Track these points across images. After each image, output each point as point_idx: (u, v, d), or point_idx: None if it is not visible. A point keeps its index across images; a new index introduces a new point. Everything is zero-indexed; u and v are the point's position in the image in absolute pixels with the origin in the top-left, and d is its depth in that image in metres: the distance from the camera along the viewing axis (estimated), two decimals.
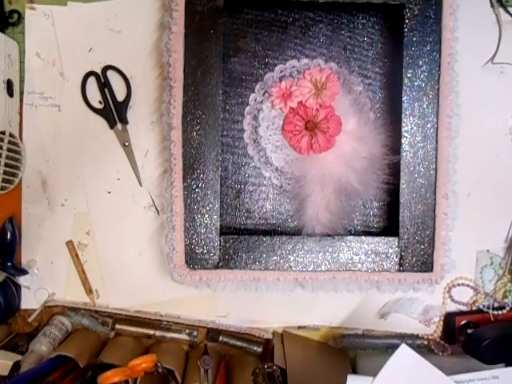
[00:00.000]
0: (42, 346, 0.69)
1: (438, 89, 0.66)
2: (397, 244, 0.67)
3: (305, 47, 0.71)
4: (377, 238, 0.67)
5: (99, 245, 0.73)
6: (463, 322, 0.73)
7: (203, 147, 0.66)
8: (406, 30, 0.66)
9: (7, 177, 0.69)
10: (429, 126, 0.67)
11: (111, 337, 0.74)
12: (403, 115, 0.67)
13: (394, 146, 0.68)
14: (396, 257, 0.67)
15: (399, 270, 0.67)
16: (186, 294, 0.72)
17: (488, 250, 0.75)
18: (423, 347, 0.75)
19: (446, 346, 0.74)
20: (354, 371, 0.72)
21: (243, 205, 0.72)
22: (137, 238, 0.73)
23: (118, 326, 0.74)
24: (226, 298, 0.74)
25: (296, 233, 0.71)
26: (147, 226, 0.73)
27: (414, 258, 0.67)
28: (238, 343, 0.74)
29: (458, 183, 0.69)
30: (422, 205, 0.67)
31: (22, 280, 0.73)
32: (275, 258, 0.67)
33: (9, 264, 0.70)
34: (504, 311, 0.73)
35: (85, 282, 0.73)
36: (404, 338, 0.74)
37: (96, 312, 0.74)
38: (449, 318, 0.74)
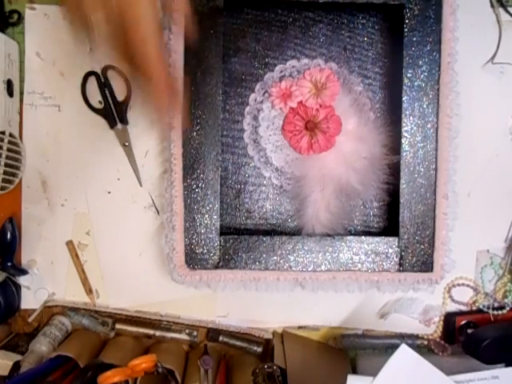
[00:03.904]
0: (41, 346, 0.69)
1: (438, 89, 0.66)
2: (397, 244, 0.67)
3: (305, 47, 0.71)
4: (377, 238, 0.68)
5: (99, 245, 0.73)
6: (463, 322, 0.73)
7: (203, 147, 0.66)
8: (406, 30, 0.66)
9: (7, 177, 0.69)
10: (429, 126, 0.67)
11: (111, 337, 0.74)
12: (403, 115, 0.67)
13: (394, 146, 0.68)
14: (396, 257, 0.67)
15: (399, 270, 0.67)
16: (186, 294, 0.72)
17: (488, 250, 0.75)
18: (423, 347, 0.75)
19: (446, 346, 0.74)
20: (354, 371, 0.72)
21: (243, 205, 0.72)
22: (137, 238, 0.73)
23: (118, 326, 0.74)
24: (225, 298, 0.74)
25: (296, 233, 0.71)
26: (147, 225, 0.73)
27: (414, 258, 0.67)
28: (238, 343, 0.74)
29: (457, 183, 0.69)
30: (422, 205, 0.67)
31: (22, 280, 0.73)
32: (275, 258, 0.67)
33: (9, 264, 0.70)
34: (504, 311, 0.73)
35: (85, 282, 0.73)
36: (404, 337, 0.74)
37: (96, 312, 0.74)
38: (449, 318, 0.74)
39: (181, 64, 0.65)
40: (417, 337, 0.75)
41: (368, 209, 0.73)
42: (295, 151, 0.71)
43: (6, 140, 0.68)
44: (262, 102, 0.71)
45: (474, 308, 0.75)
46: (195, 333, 0.74)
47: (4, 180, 0.69)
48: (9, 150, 0.69)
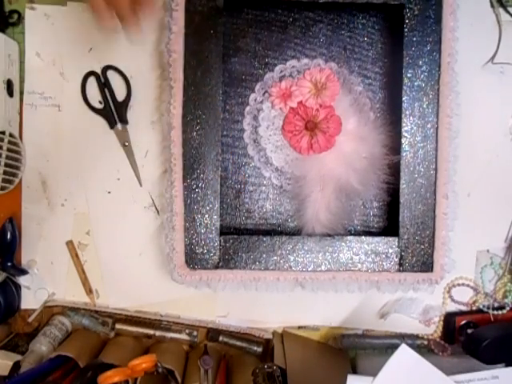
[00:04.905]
0: (42, 346, 0.69)
1: (438, 89, 0.66)
2: (397, 244, 0.67)
3: (305, 47, 0.71)
4: (377, 238, 0.68)
5: (99, 245, 0.73)
6: (463, 322, 0.73)
7: (203, 147, 0.66)
8: (406, 29, 0.66)
9: (7, 177, 0.69)
10: (429, 126, 0.67)
11: (111, 337, 0.74)
12: (403, 115, 0.67)
13: (394, 146, 0.68)
14: (396, 257, 0.67)
15: (399, 270, 0.67)
16: (186, 294, 0.72)
17: (488, 250, 0.75)
18: (423, 347, 0.75)
19: (446, 346, 0.74)
20: (354, 371, 0.72)
21: (243, 205, 0.72)
22: (137, 237, 0.73)
23: (118, 326, 0.74)
24: (226, 298, 0.74)
25: (296, 233, 0.71)
26: (147, 225, 0.73)
27: (414, 258, 0.67)
28: (238, 343, 0.74)
29: (457, 183, 0.69)
30: (422, 205, 0.67)
31: (22, 280, 0.73)
32: (275, 258, 0.67)
33: (9, 264, 0.70)
34: (504, 311, 0.73)
35: (85, 282, 0.73)
36: (404, 338, 0.74)
37: (96, 312, 0.74)
38: (449, 318, 0.74)
39: (181, 64, 0.65)
40: (417, 337, 0.75)
41: (368, 209, 0.73)
42: (295, 151, 0.71)
43: (5, 140, 0.68)
44: (262, 102, 0.71)
45: (474, 308, 0.75)
46: (195, 333, 0.74)
47: (4, 180, 0.69)
48: (9, 150, 0.69)
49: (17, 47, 0.71)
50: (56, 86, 0.72)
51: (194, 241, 0.66)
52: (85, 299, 0.74)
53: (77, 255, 0.73)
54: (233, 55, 0.70)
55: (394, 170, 0.68)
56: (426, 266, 0.67)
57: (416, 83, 0.66)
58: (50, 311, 0.74)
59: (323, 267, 0.67)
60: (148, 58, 0.72)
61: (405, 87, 0.66)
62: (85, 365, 0.64)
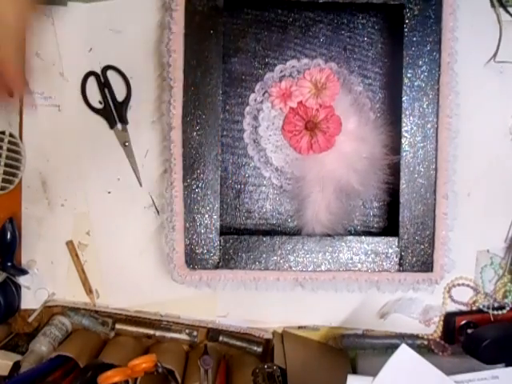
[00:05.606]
0: (41, 346, 0.69)
1: (438, 89, 0.66)
2: (397, 244, 0.67)
3: (305, 47, 0.71)
4: (377, 238, 0.68)
5: (99, 245, 0.73)
6: (463, 322, 0.73)
7: (203, 147, 0.66)
8: (406, 30, 0.66)
9: (7, 177, 0.69)
10: (429, 126, 0.67)
11: (111, 337, 0.74)
12: (403, 115, 0.67)
13: (394, 146, 0.68)
14: (396, 257, 0.67)
15: (399, 270, 0.67)
16: (186, 294, 0.72)
17: (488, 250, 0.75)
18: (423, 347, 0.75)
19: (446, 346, 0.74)
20: (354, 371, 0.72)
21: (243, 205, 0.72)
22: (137, 238, 0.73)
23: (118, 326, 0.74)
24: (226, 298, 0.74)
25: (296, 233, 0.71)
26: (147, 225, 0.73)
27: (414, 258, 0.67)
28: (238, 343, 0.74)
29: (457, 183, 0.69)
30: (422, 205, 0.67)
31: (22, 280, 0.73)
32: (275, 257, 0.67)
33: (9, 264, 0.70)
34: (504, 311, 0.73)
35: (85, 282, 0.73)
36: (404, 338, 0.74)
37: (96, 312, 0.74)
38: (449, 318, 0.74)
39: (181, 64, 0.65)
40: (417, 337, 0.75)
41: (368, 209, 0.73)
42: (295, 151, 0.71)
43: (6, 140, 0.68)
44: (261, 102, 0.71)
45: (474, 308, 0.75)
46: (195, 333, 0.74)
47: (4, 180, 0.69)
48: (9, 150, 0.69)
49: None
50: (56, 86, 0.72)
51: (194, 241, 0.66)
52: (85, 299, 0.74)
53: (77, 255, 0.73)
54: (233, 55, 0.70)
55: (394, 170, 0.68)
56: (426, 265, 0.67)
57: (416, 83, 0.66)
58: (50, 311, 0.74)
59: (323, 267, 0.67)
60: (148, 58, 0.72)
61: (405, 87, 0.66)
62: (85, 365, 0.64)
